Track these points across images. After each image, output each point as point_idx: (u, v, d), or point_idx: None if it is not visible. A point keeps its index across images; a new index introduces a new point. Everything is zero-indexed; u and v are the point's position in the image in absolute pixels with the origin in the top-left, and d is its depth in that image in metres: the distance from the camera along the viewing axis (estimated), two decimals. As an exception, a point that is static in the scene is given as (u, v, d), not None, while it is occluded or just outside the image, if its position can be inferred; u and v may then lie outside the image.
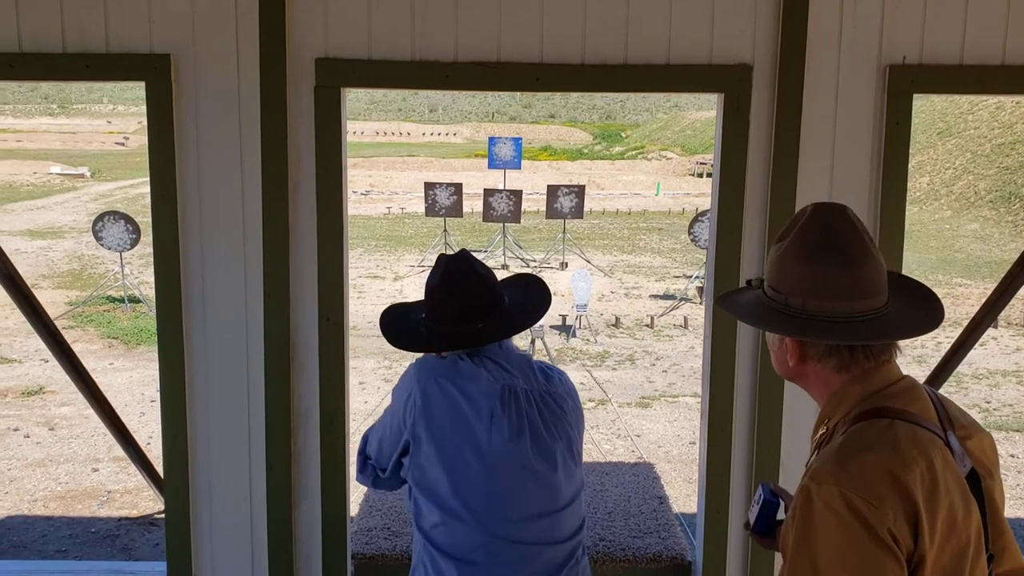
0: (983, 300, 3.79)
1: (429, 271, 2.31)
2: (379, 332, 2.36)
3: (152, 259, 2.99)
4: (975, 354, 10.05)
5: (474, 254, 2.31)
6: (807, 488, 1.49)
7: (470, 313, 2.19)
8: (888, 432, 1.51)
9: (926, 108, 32.27)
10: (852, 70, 2.87)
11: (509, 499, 2.10)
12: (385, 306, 2.44)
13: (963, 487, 1.51)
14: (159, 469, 3.50)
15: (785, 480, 3.01)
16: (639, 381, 9.87)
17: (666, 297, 14.35)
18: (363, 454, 2.35)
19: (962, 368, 9.54)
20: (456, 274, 2.23)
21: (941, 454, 1.51)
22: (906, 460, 1.47)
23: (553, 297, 2.42)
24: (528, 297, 2.35)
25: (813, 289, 1.57)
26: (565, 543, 2.19)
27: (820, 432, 1.65)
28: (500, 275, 2.34)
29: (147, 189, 3.01)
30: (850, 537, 1.43)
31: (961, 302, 13.71)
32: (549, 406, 2.20)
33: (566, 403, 2.25)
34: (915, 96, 2.90)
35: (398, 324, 2.34)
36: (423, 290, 2.30)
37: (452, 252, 2.32)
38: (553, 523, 2.16)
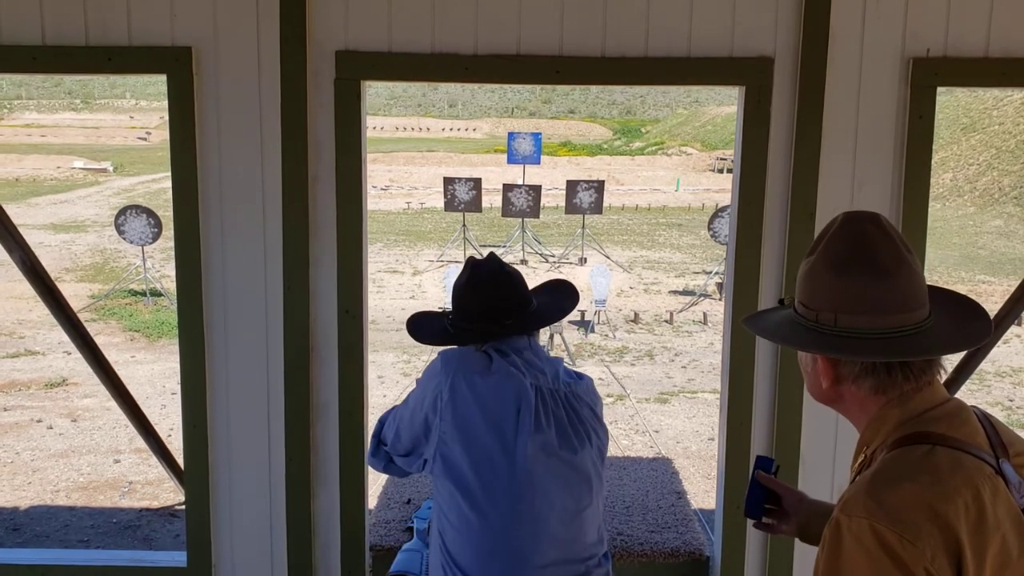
0: (1006, 297, 3.74)
1: (457, 273, 2.33)
2: (398, 327, 2.37)
3: (173, 253, 3.01)
4: (998, 352, 9.96)
5: (493, 249, 2.31)
6: (836, 520, 1.37)
7: (498, 310, 2.18)
8: (928, 460, 1.39)
9: (950, 103, 31.97)
10: (875, 63, 2.85)
11: (533, 498, 2.07)
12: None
13: (1018, 520, 1.37)
14: (179, 461, 3.53)
15: (805, 475, 3.00)
16: (658, 377, 9.84)
17: (685, 293, 14.30)
18: (377, 437, 2.34)
19: (984, 366, 9.46)
20: (484, 272, 2.23)
21: (990, 483, 1.37)
22: (947, 491, 1.34)
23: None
24: (555, 299, 2.35)
25: (845, 304, 1.46)
26: (585, 560, 2.16)
27: (859, 460, 1.54)
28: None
29: (169, 183, 3.03)
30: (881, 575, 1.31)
31: (984, 299, 13.58)
32: (575, 408, 2.18)
33: (597, 407, 2.25)
34: (938, 90, 2.87)
35: (425, 324, 2.34)
36: (444, 288, 2.30)
37: (474, 249, 2.32)
38: (572, 528, 2.14)
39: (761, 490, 1.85)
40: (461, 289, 2.25)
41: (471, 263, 2.27)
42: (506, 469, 2.06)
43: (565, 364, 2.31)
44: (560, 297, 2.37)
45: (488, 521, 2.06)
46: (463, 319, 2.23)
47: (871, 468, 1.45)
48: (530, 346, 2.21)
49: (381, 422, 2.34)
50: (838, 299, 1.47)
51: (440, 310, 2.40)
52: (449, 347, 2.24)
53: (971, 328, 1.52)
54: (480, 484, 2.06)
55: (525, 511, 2.07)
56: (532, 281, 2.33)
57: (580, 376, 2.28)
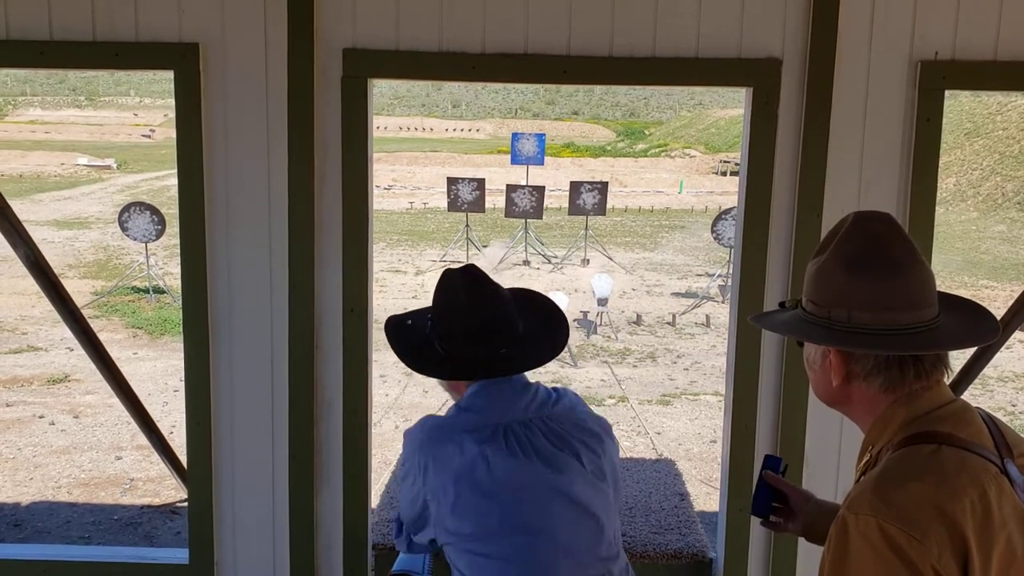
0: (1009, 302, 3.74)
1: (437, 287, 2.10)
2: None
3: (177, 249, 3.00)
4: (1001, 356, 9.93)
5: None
6: (843, 519, 1.38)
7: (497, 335, 2.02)
8: (934, 459, 1.40)
9: (954, 108, 31.94)
10: (883, 65, 2.84)
11: (547, 545, 1.96)
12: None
13: (1023, 519, 1.39)
14: (182, 458, 3.53)
15: (809, 478, 2.99)
16: (660, 378, 9.83)
17: (688, 295, 14.29)
18: (398, 522, 2.16)
19: (988, 371, 9.44)
20: (482, 291, 2.03)
21: (995, 483, 1.39)
22: (954, 490, 1.35)
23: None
24: (539, 321, 2.15)
25: (858, 300, 1.47)
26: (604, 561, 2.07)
27: (864, 460, 1.55)
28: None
29: (172, 181, 3.04)
30: (888, 573, 1.31)
31: (987, 304, 13.52)
32: (562, 434, 2.03)
33: (595, 425, 2.10)
34: (945, 93, 2.86)
35: (410, 342, 2.12)
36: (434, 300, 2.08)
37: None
38: (587, 554, 2.03)
39: (768, 489, 1.87)
40: (456, 308, 2.03)
41: (465, 279, 2.04)
42: (517, 529, 1.93)
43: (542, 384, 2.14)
44: (544, 320, 2.16)
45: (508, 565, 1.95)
46: (454, 341, 2.03)
47: (877, 467, 1.46)
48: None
49: (399, 510, 2.16)
50: (851, 296, 1.48)
51: (408, 322, 2.17)
52: (429, 417, 2.06)
53: (981, 326, 1.54)
54: (490, 546, 1.94)
55: (537, 552, 1.95)
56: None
57: (560, 395, 2.11)
